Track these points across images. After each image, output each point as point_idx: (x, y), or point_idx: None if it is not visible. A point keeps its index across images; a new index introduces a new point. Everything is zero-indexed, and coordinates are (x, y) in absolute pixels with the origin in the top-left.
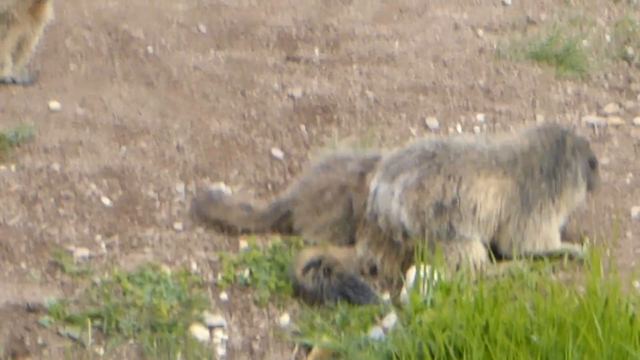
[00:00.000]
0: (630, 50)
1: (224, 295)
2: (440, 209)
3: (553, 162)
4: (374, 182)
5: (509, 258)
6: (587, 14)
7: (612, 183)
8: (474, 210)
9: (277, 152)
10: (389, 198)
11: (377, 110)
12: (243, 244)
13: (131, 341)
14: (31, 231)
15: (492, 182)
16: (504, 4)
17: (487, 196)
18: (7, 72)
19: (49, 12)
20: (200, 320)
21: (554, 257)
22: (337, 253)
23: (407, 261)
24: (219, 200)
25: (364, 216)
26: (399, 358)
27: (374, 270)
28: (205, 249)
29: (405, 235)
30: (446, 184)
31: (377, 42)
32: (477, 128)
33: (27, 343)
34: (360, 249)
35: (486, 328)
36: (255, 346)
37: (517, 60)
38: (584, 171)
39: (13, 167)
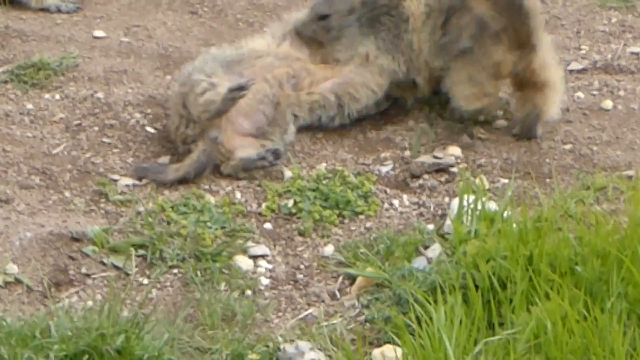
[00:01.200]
0: None
1: (268, 225)
2: None
3: None
4: None
5: None
6: None
7: None
8: None
9: None
10: None
11: None
12: (287, 173)
13: (175, 271)
14: (75, 160)
15: None
16: None
17: None
18: (52, 0)
19: None
20: (244, 250)
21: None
22: None
23: None
24: None
25: None
26: (442, 288)
27: None
28: (249, 178)
29: None
30: None
31: None
32: None
33: (71, 272)
34: None
35: (530, 259)
36: (299, 276)
37: None
38: None
39: (57, 96)
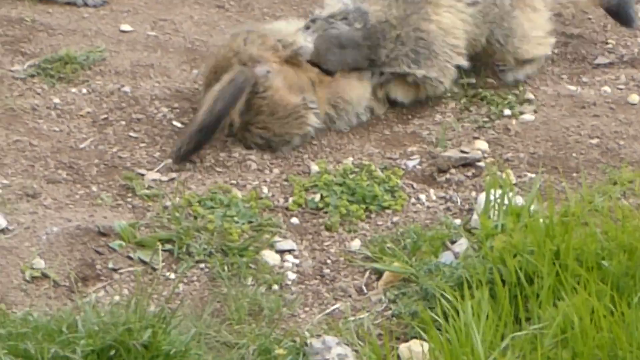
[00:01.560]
0: None
1: (294, 220)
2: None
3: None
4: None
5: None
6: None
7: None
8: None
9: None
10: None
11: None
12: (314, 167)
13: (202, 265)
14: (102, 154)
15: None
16: None
17: None
18: None
19: None
20: (271, 245)
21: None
22: None
23: None
24: None
25: None
26: (469, 283)
27: None
28: (276, 172)
29: None
30: None
31: None
32: (549, 52)
33: (98, 267)
34: None
35: (557, 254)
36: (326, 271)
37: None
38: None
39: (84, 90)
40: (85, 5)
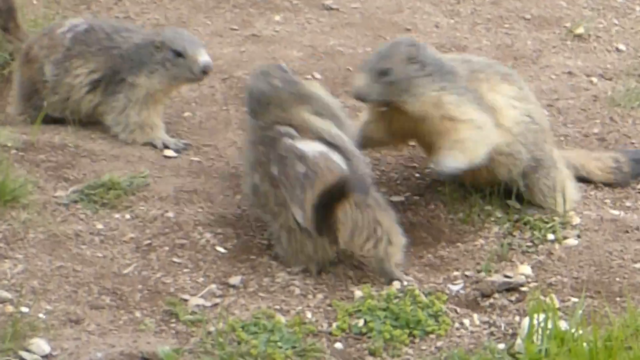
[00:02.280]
0: None
1: (338, 345)
2: None
3: None
4: None
5: None
6: None
7: None
8: None
9: None
10: None
11: None
12: (357, 292)
13: None
14: (146, 280)
15: None
16: (618, 50)
17: None
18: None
19: None
20: None
21: None
22: None
23: None
24: None
25: None
26: None
27: None
28: (320, 297)
29: None
30: None
31: None
32: None
33: None
34: None
35: None
36: None
37: (632, 107)
38: None
39: (128, 215)
40: (167, 147)
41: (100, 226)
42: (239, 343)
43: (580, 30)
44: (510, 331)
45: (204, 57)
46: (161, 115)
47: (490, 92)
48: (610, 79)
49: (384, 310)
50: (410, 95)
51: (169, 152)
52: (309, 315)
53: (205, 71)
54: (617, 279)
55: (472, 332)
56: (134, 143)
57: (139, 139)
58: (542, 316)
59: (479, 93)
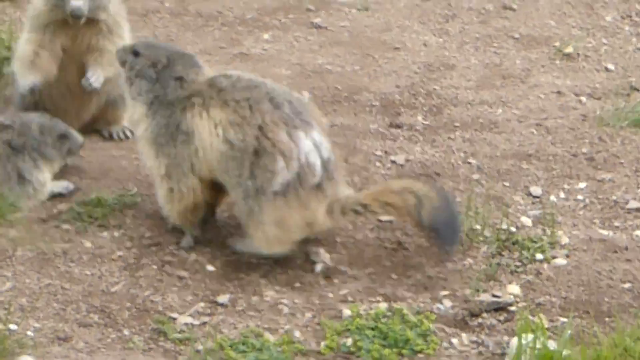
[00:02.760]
0: None
1: None
2: None
3: None
4: None
5: None
6: None
7: None
8: None
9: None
10: None
11: (480, 177)
12: (346, 311)
13: None
14: (134, 298)
15: None
16: (606, 70)
17: None
18: None
19: None
20: None
21: None
22: None
23: None
24: None
25: None
26: None
27: None
28: (308, 316)
29: None
30: None
31: (479, 109)
32: (580, 197)
33: None
34: None
35: None
36: None
37: (621, 127)
38: None
39: (116, 233)
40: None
41: (88, 244)
42: None
43: (569, 49)
44: (499, 351)
45: (75, 2)
46: None
47: None
48: (599, 99)
49: (373, 329)
50: None
51: None
52: (297, 334)
53: (72, 14)
54: (606, 299)
55: (460, 351)
56: None
57: None
58: (530, 336)
59: None
